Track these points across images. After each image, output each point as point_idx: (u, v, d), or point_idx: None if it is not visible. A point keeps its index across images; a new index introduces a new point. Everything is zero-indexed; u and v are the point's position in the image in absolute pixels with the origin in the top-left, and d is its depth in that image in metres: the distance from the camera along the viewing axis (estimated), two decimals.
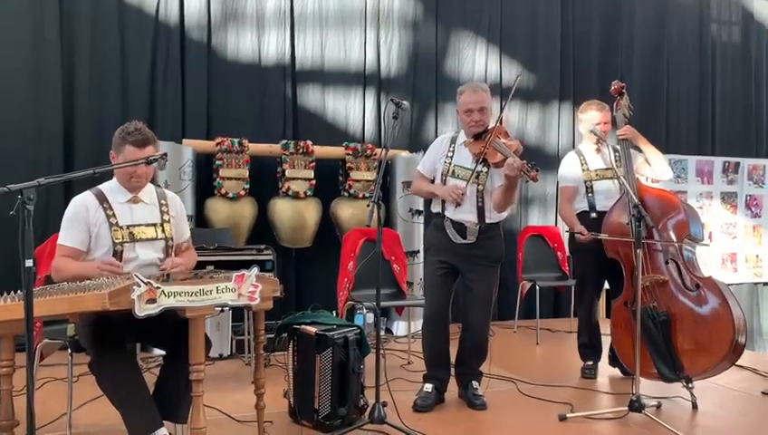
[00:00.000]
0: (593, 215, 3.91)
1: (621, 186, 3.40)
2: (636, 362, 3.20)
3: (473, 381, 3.44)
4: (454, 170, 3.39)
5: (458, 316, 3.55)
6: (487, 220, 3.38)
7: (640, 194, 3.63)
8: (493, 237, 3.42)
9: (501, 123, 3.36)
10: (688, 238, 3.50)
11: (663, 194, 3.66)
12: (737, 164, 6.90)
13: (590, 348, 4.10)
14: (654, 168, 3.92)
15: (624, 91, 3.92)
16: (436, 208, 3.49)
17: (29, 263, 1.85)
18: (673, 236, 3.52)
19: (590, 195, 3.95)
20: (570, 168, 4.06)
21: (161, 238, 2.71)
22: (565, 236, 5.90)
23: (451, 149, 3.45)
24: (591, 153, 4.01)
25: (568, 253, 5.10)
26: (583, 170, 3.99)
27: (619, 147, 3.92)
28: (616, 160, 3.94)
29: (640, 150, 3.92)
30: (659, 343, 3.39)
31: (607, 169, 3.95)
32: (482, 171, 3.35)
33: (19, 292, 2.16)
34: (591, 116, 4.00)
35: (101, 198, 2.64)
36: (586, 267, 4.01)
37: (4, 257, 4.25)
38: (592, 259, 3.86)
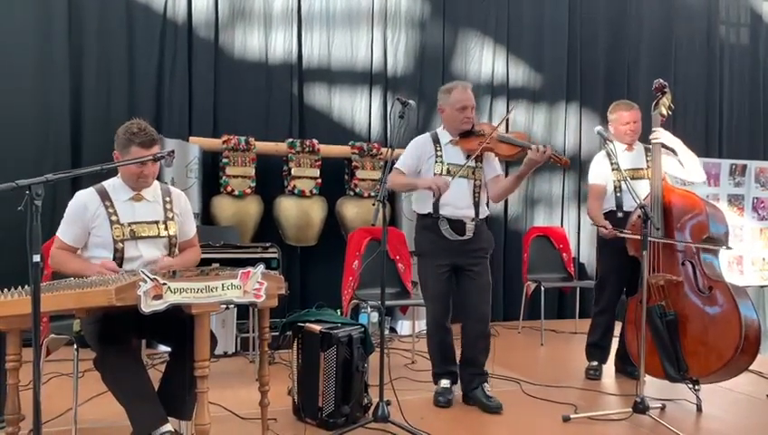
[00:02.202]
0: (620, 214, 3.91)
1: (629, 189, 3.39)
2: (641, 363, 3.20)
3: (484, 384, 3.43)
4: (449, 169, 3.39)
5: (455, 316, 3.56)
6: (481, 215, 3.46)
7: (666, 195, 3.63)
8: (484, 230, 3.53)
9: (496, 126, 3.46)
10: (708, 239, 3.49)
11: (687, 195, 3.64)
12: (744, 167, 6.87)
13: (597, 348, 4.09)
14: (687, 170, 3.90)
15: (666, 89, 3.86)
16: (425, 209, 3.45)
17: (36, 258, 1.86)
18: (688, 237, 3.51)
19: (617, 194, 3.95)
20: (599, 167, 4.06)
21: (164, 236, 2.70)
22: (569, 233, 5.91)
23: (438, 148, 3.45)
24: (621, 153, 3.97)
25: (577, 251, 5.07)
26: (612, 170, 3.98)
27: (651, 146, 3.91)
28: (648, 160, 3.96)
29: (675, 152, 3.89)
30: (666, 342, 3.40)
31: (637, 168, 3.95)
32: (478, 167, 3.44)
33: (26, 287, 2.17)
34: (619, 116, 4.00)
35: (104, 196, 2.64)
36: (609, 266, 4.00)
37: (11, 252, 4.30)
38: (616, 258, 3.85)
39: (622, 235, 3.60)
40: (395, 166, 3.51)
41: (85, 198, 2.63)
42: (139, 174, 2.62)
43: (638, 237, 3.51)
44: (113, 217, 2.61)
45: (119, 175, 2.72)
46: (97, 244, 2.62)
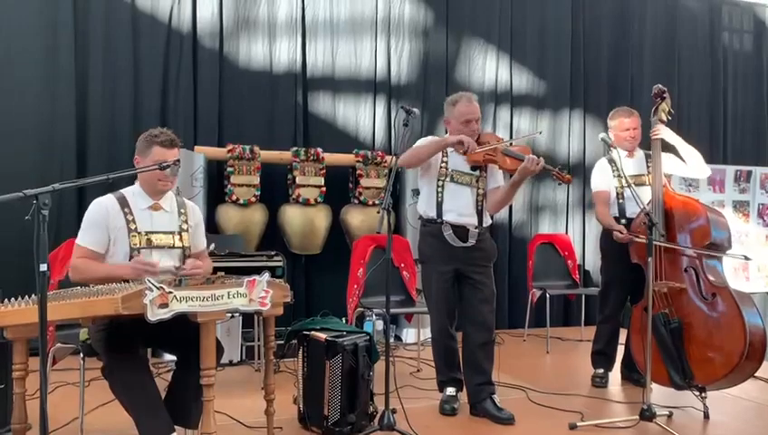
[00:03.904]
0: (623, 221, 3.89)
1: (633, 195, 3.39)
2: (647, 370, 3.19)
3: (493, 395, 3.40)
4: (453, 175, 3.43)
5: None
6: (484, 223, 3.47)
7: (667, 201, 3.63)
8: (488, 238, 3.53)
9: (510, 144, 3.47)
10: (711, 245, 3.48)
11: (688, 201, 3.65)
12: (749, 173, 6.85)
13: (602, 355, 4.08)
14: (690, 166, 3.90)
15: (666, 94, 3.87)
16: (429, 213, 3.47)
17: (43, 267, 1.87)
18: (689, 243, 3.51)
19: (620, 201, 3.94)
20: (601, 173, 4.05)
21: (178, 247, 2.72)
22: (574, 240, 5.90)
23: (444, 154, 3.46)
24: (623, 159, 3.93)
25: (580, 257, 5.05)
26: (614, 177, 3.97)
27: (651, 151, 3.91)
28: (648, 166, 3.95)
29: (676, 151, 3.89)
30: (671, 349, 3.39)
31: (638, 175, 3.95)
32: (481, 176, 3.47)
33: (33, 296, 2.18)
34: (619, 122, 3.99)
35: (123, 203, 2.65)
36: (613, 272, 3.99)
37: (18, 262, 4.32)
38: (620, 264, 3.84)
39: (638, 240, 3.58)
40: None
41: (106, 203, 2.64)
42: (161, 176, 2.64)
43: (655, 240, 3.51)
44: (131, 225, 2.62)
45: (136, 183, 2.74)
46: (114, 251, 2.62)
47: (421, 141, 3.52)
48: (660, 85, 3.90)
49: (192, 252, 2.79)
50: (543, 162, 3.22)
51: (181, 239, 2.73)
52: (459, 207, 3.42)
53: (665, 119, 3.87)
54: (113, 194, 2.69)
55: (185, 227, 2.77)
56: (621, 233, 3.73)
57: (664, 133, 3.82)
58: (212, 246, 4.23)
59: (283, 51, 5.52)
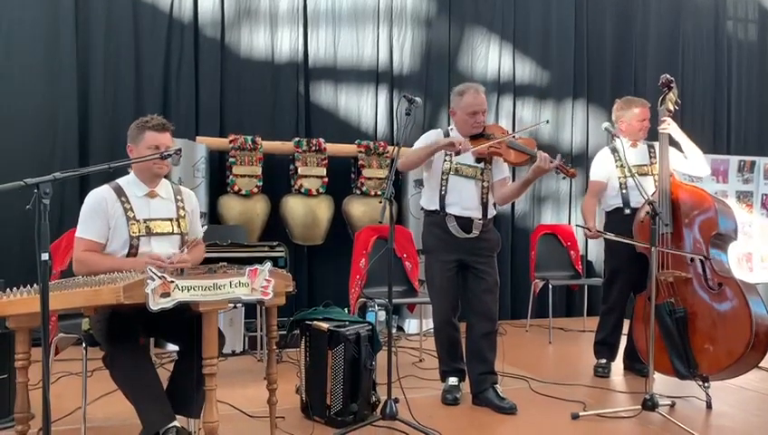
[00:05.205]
0: (627, 211, 3.89)
1: (637, 185, 3.37)
2: (650, 360, 3.18)
3: (496, 385, 3.41)
4: (458, 168, 3.41)
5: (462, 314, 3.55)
6: (488, 216, 3.46)
7: (674, 191, 3.62)
8: (491, 229, 3.52)
9: (514, 137, 3.47)
10: (718, 235, 3.47)
11: (695, 191, 3.63)
12: (753, 163, 6.81)
13: (605, 345, 4.08)
14: (691, 163, 3.90)
15: (673, 84, 3.85)
16: (432, 205, 3.47)
17: (45, 256, 1.86)
18: (698, 233, 3.50)
19: (623, 191, 3.93)
20: (601, 163, 4.04)
21: (177, 233, 2.73)
22: (577, 230, 5.87)
23: None
24: (627, 149, 3.92)
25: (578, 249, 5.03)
26: (617, 166, 3.96)
27: (654, 143, 3.88)
28: (651, 157, 3.95)
29: (680, 147, 3.88)
30: (676, 339, 3.38)
31: (641, 165, 3.94)
32: (486, 168, 3.45)
33: (35, 285, 2.18)
34: (634, 113, 3.95)
35: (119, 192, 2.66)
36: (617, 262, 3.98)
37: (20, 251, 4.33)
38: (624, 254, 3.83)
39: (607, 237, 3.64)
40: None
41: (103, 194, 2.64)
42: (154, 159, 2.63)
43: (625, 241, 3.56)
44: (129, 214, 2.63)
45: (131, 172, 2.74)
46: (112, 240, 2.62)
47: (417, 143, 3.50)
48: (668, 75, 3.88)
49: (189, 238, 2.79)
50: (558, 161, 3.20)
51: (179, 226, 2.74)
52: (463, 201, 3.41)
53: (672, 108, 3.85)
54: (109, 184, 2.69)
55: (182, 213, 2.77)
56: (590, 231, 3.79)
57: (671, 129, 3.80)
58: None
59: (285, 41, 5.50)
